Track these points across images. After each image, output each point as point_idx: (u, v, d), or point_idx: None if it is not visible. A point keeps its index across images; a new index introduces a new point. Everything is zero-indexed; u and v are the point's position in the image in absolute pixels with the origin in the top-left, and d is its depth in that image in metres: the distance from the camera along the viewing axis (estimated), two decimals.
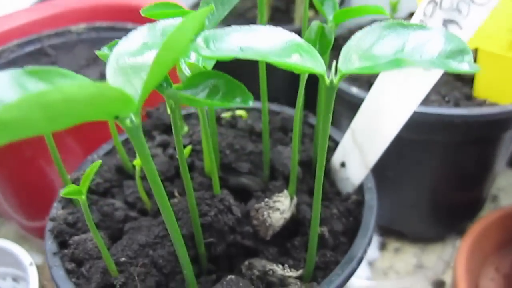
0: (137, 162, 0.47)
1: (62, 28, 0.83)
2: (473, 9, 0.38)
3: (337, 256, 0.46)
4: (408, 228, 0.81)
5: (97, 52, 0.34)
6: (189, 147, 0.50)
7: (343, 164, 0.54)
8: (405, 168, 0.70)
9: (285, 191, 0.48)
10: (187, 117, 0.64)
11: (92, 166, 0.34)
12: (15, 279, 0.72)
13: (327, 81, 0.29)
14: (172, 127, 0.33)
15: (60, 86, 0.20)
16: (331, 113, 0.31)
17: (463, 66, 0.26)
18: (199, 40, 0.26)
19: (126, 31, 0.47)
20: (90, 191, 0.52)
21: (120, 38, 0.28)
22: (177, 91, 0.28)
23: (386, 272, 0.78)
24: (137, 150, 0.28)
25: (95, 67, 0.81)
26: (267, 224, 0.44)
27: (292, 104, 0.64)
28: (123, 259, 0.42)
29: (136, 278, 0.39)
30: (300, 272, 0.43)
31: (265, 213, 0.45)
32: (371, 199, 0.50)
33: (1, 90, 0.22)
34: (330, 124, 0.31)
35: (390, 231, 0.83)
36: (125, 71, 0.26)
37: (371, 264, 0.80)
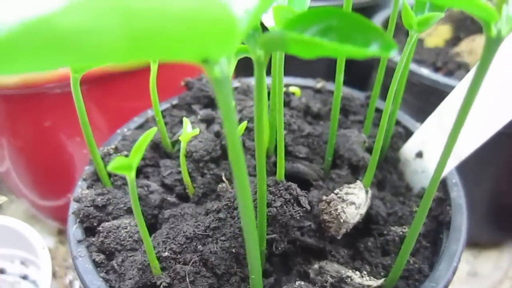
0: (182, 137, 0.39)
1: None
2: None
3: (419, 263, 0.38)
4: None
5: None
6: (244, 123, 0.41)
7: (419, 154, 0.46)
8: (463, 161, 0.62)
9: (359, 182, 0.40)
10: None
11: (146, 136, 0.26)
12: (23, 262, 0.65)
13: (493, 31, 0.20)
14: (255, 87, 0.25)
15: None
16: (486, 71, 0.22)
17: None
18: None
19: None
20: None
21: None
22: (285, 32, 0.20)
23: None
24: (222, 110, 0.19)
25: None
26: (342, 220, 0.36)
27: (347, 83, 0.56)
28: (166, 253, 0.34)
29: (186, 278, 0.31)
30: (381, 282, 0.35)
31: (339, 207, 0.37)
32: (458, 196, 0.41)
33: None
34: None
35: None
36: None
37: None
